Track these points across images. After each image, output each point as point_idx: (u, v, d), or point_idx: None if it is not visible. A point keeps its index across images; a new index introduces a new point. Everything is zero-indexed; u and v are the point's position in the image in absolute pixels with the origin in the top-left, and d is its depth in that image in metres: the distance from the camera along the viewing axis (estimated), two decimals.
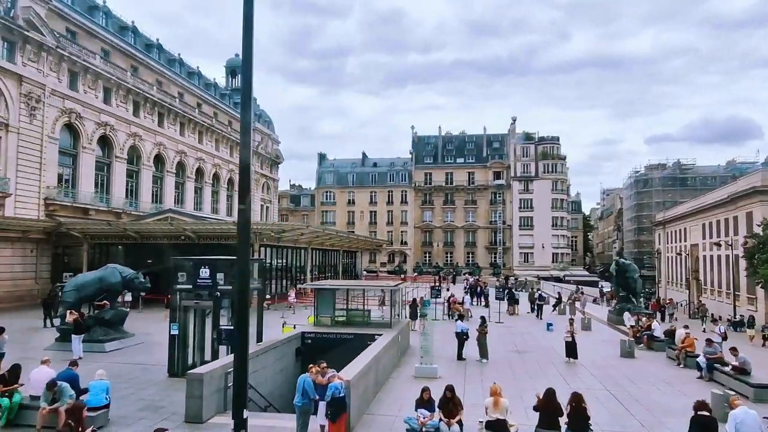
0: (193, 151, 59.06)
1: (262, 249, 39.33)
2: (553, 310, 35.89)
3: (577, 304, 34.96)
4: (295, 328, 20.89)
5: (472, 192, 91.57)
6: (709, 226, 50.34)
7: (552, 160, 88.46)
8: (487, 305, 35.89)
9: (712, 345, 17.69)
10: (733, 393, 13.55)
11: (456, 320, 21.15)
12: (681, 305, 50.98)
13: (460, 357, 19.68)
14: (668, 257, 65.88)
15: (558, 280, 72.89)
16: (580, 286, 53.72)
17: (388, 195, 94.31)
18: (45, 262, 39.44)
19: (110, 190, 46.37)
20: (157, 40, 57.64)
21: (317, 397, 10.26)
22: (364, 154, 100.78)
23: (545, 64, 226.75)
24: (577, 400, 9.99)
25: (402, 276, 69.04)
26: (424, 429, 10.01)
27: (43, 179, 38.51)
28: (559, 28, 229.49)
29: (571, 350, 19.70)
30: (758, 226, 37.87)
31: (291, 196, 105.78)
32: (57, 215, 39.05)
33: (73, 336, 18.33)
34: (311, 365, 11.12)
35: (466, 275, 67.13)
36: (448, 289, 42.08)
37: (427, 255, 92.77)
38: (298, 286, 37.74)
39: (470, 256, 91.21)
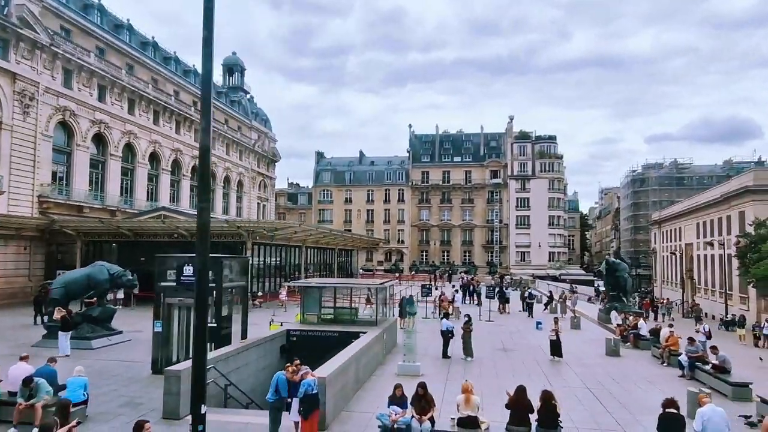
0: (189, 148, 59.07)
1: (255, 247, 39.48)
2: (545, 309, 35.99)
3: (568, 303, 35.04)
4: (282, 326, 21.02)
5: (469, 191, 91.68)
6: (703, 226, 50.53)
7: (549, 159, 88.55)
8: (479, 304, 35.99)
9: (694, 344, 17.80)
10: (708, 391, 13.67)
11: (442, 318, 21.21)
12: (676, 304, 51.19)
13: (445, 355, 19.79)
14: (663, 256, 66.05)
15: (554, 279, 73.00)
16: (573, 285, 53.81)
17: (385, 193, 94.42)
18: (38, 260, 39.52)
19: (105, 187, 46.43)
20: (153, 38, 57.69)
21: (287, 396, 10.34)
22: (361, 153, 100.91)
23: (546, 64, 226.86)
24: (546, 397, 10.08)
25: (397, 274, 69.16)
26: (395, 426, 10.09)
27: (37, 177, 38.59)
28: (560, 27, 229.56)
29: (556, 349, 19.80)
30: (750, 225, 38.09)
31: (288, 194, 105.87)
32: (51, 213, 39.14)
33: (60, 333, 18.43)
34: (288, 364, 11.21)
35: (462, 274, 67.19)
36: (439, 288, 42.18)
37: (424, 254, 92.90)
38: (284, 284, 37.79)
39: (467, 254, 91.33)
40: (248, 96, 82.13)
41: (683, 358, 17.55)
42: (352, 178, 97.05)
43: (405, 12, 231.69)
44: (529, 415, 10.19)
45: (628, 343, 23.28)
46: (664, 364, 19.42)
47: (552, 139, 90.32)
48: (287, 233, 41.71)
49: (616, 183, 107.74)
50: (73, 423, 9.95)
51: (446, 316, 21.79)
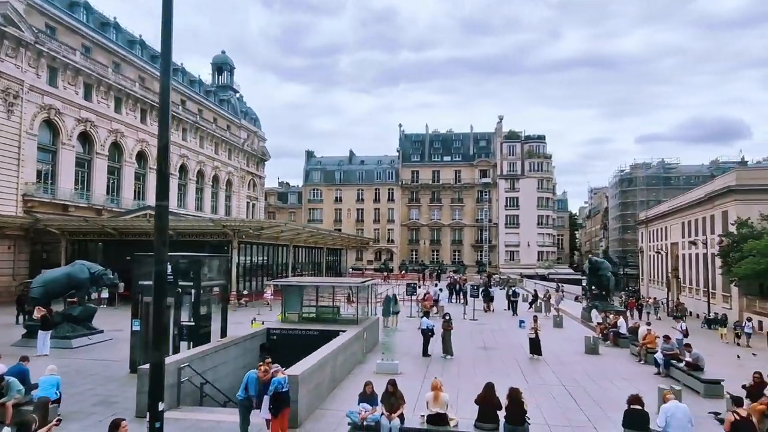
0: (177, 148, 58.93)
1: (242, 246, 39.49)
2: (530, 308, 36.22)
3: (552, 301, 35.30)
4: (263, 324, 21.07)
5: (459, 190, 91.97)
6: (688, 225, 50.98)
7: (538, 158, 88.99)
8: (465, 303, 36.14)
9: (670, 341, 18.01)
10: (678, 388, 13.89)
11: (422, 317, 21.34)
12: (662, 303, 51.63)
13: (425, 353, 19.90)
14: (650, 256, 66.56)
15: (543, 278, 73.42)
16: (560, 284, 54.16)
17: (375, 193, 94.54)
18: (23, 259, 39.32)
19: (91, 186, 46.25)
20: (140, 36, 57.52)
21: (256, 394, 10.40)
22: (351, 152, 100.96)
23: (537, 63, 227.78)
24: (514, 394, 10.19)
25: (385, 274, 69.30)
26: (364, 423, 10.19)
27: (22, 175, 38.39)
28: (551, 27, 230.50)
29: (535, 347, 19.97)
30: (732, 225, 38.49)
31: (278, 193, 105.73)
32: (35, 212, 38.93)
33: (39, 332, 18.39)
34: (260, 363, 11.28)
35: (451, 273, 67.42)
36: (426, 287, 42.31)
37: (414, 253, 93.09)
38: (266, 282, 37.79)
39: (456, 254, 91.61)
40: (237, 95, 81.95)
41: (659, 356, 17.76)
42: (342, 178, 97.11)
43: (397, 11, 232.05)
44: (497, 412, 10.30)
45: (608, 342, 23.49)
46: (642, 362, 19.64)
47: (541, 138, 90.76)
48: (274, 232, 41.73)
49: (605, 183, 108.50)
50: (54, 422, 9.97)
51: (426, 314, 21.92)
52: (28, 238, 39.22)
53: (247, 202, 79.50)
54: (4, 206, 36.85)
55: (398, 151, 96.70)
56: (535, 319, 21.12)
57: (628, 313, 37.68)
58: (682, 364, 16.61)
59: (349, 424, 10.40)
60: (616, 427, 11.35)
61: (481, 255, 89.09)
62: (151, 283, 15.87)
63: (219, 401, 14.52)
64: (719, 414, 13.26)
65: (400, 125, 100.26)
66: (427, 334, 19.91)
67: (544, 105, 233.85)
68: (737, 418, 9.84)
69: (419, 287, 38.82)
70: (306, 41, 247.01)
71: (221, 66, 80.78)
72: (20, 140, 38.14)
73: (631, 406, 10.09)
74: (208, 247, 36.74)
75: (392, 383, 10.69)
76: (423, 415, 10.51)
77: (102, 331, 21.24)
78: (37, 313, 19.44)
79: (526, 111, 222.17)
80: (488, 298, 34.70)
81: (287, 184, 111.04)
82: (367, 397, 10.63)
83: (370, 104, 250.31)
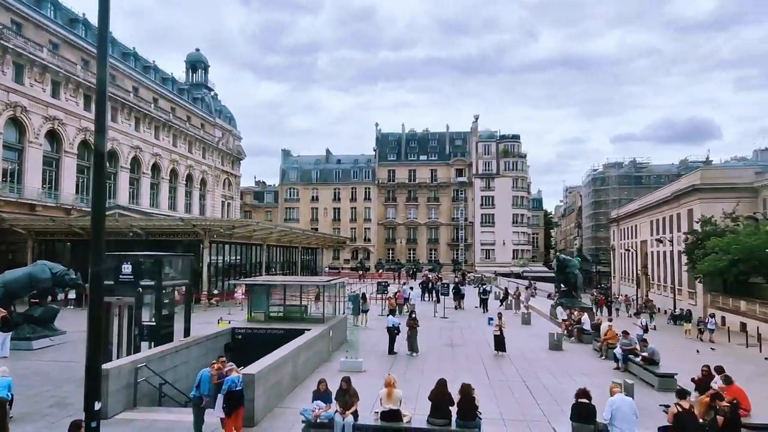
0: (149, 146, 58.19)
1: (214, 245, 39.21)
2: (500, 305, 36.63)
3: (522, 298, 35.77)
4: (230, 323, 21.01)
5: (435, 189, 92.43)
6: (657, 223, 52.04)
7: (513, 158, 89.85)
8: (438, 301, 36.40)
9: (628, 337, 18.43)
10: (631, 382, 14.26)
11: (388, 315, 21.48)
12: (633, 300, 52.59)
13: (391, 351, 20.05)
14: (621, 253, 67.77)
15: (518, 276, 74.24)
16: (532, 282, 54.83)
17: (352, 192, 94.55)
18: None
19: (59, 185, 45.45)
20: (111, 33, 56.52)
21: (207, 392, 10.41)
22: (328, 151, 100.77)
23: (515, 63, 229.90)
24: (465, 390, 10.37)
25: (361, 272, 69.39)
26: (318, 420, 10.27)
27: None
28: (529, 27, 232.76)
29: (500, 343, 20.26)
30: (697, 222, 39.42)
31: (255, 192, 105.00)
32: (1, 211, 38.11)
33: None
34: (214, 361, 11.28)
35: (426, 272, 67.76)
36: (399, 285, 42.51)
37: (390, 252, 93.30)
38: (230, 282, 37.51)
39: (433, 252, 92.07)
40: (212, 93, 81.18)
41: (618, 351, 18.17)
42: (319, 177, 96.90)
43: (376, 10, 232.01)
44: (450, 407, 10.46)
45: (573, 338, 23.92)
46: (603, 357, 20.06)
47: (516, 138, 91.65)
48: (246, 231, 41.53)
49: (581, 182, 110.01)
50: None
51: (392, 312, 22.06)
52: None
53: (222, 202, 78.83)
54: None
55: (375, 150, 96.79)
56: (500, 316, 21.41)
57: (597, 310, 38.46)
58: (638, 359, 17.03)
59: (303, 421, 10.46)
60: (570, 421, 11.62)
61: (457, 254, 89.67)
62: (111, 282, 15.97)
63: (180, 401, 14.46)
64: (669, 406, 13.67)
65: (377, 124, 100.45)
66: (393, 332, 20.06)
67: (522, 105, 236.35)
68: (680, 410, 10.15)
69: (394, 285, 38.93)
70: (284, 39, 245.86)
71: (195, 64, 79.96)
72: None
73: (579, 400, 10.34)
74: (180, 246, 36.43)
75: (346, 380, 10.78)
76: (377, 412, 10.62)
77: (65, 332, 20.95)
78: None
79: (504, 111, 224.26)
80: (459, 296, 34.99)
81: (264, 183, 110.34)
82: (321, 394, 10.71)
83: (349, 103, 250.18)
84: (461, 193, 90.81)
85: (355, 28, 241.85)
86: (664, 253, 48.87)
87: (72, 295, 32.77)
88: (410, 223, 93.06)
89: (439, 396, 10.48)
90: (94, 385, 6.49)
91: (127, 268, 15.70)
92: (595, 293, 57.53)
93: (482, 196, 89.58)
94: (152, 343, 15.76)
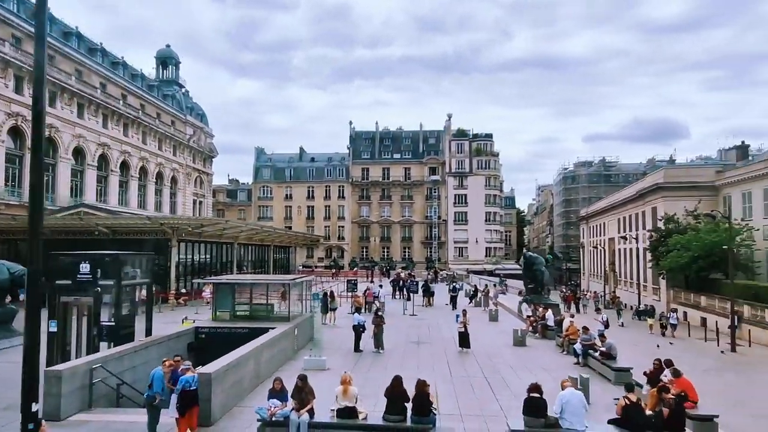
0: (118, 143, 57.19)
1: (182, 244, 38.77)
2: (470, 302, 37.00)
3: (491, 295, 36.18)
4: (194, 323, 20.83)
5: (409, 187, 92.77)
6: (623, 221, 53.12)
7: (485, 156, 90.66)
8: (408, 298, 36.60)
9: (588, 332, 18.82)
10: (586, 376, 14.58)
11: (353, 313, 21.55)
12: (601, 296, 53.58)
13: (357, 349, 20.13)
14: (590, 250, 68.97)
15: (490, 273, 74.93)
16: (503, 279, 55.49)
17: (326, 190, 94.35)
18: None
19: (23, 183, 44.37)
20: (77, 27, 55.43)
21: (159, 391, 10.35)
22: (301, 149, 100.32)
23: (490, 63, 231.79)
24: (420, 386, 10.50)
25: (334, 270, 69.31)
26: (273, 418, 10.28)
27: None
28: (503, 27, 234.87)
29: (464, 340, 20.51)
30: (660, 220, 40.35)
31: (228, 190, 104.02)
32: None
33: None
34: (165, 359, 11.20)
35: (399, 270, 68.00)
36: (373, 283, 42.60)
37: (365, 250, 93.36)
38: (195, 281, 37.12)
39: (407, 250, 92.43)
40: (183, 90, 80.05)
41: (578, 346, 18.56)
42: (293, 175, 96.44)
43: (351, 7, 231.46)
44: (405, 404, 10.58)
45: (537, 334, 24.32)
46: (564, 353, 20.45)
47: (489, 137, 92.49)
48: (216, 230, 41.13)
49: (552, 181, 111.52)
50: None
51: (358, 310, 22.14)
52: None
53: (194, 200, 77.88)
54: None
55: (349, 148, 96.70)
56: (464, 313, 21.66)
57: (564, 307, 39.08)
58: (597, 354, 17.41)
59: (258, 420, 10.47)
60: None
61: (430, 251, 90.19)
62: (69, 282, 15.72)
63: (138, 402, 14.29)
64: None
65: (351, 122, 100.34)
66: (358, 329, 20.16)
67: (496, 104, 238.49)
68: (627, 403, 10.49)
69: (366, 284, 39.00)
70: (260, 36, 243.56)
71: (166, 60, 78.72)
72: None
73: (531, 394, 10.55)
74: (148, 245, 35.92)
75: (302, 378, 10.83)
76: (333, 409, 10.69)
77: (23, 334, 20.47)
78: None
79: (479, 109, 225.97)
80: (428, 294, 35.23)
81: (237, 181, 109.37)
82: (276, 393, 10.72)
83: (325, 101, 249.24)
84: (435, 192, 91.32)
85: (331, 26, 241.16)
86: (630, 250, 49.93)
87: None
88: (384, 222, 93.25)
89: (395, 392, 10.59)
90: (32, 387, 6.42)
91: (85, 267, 15.44)
92: (564, 290, 58.61)
93: (455, 195, 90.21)
94: (112, 344, 15.56)
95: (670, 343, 27.06)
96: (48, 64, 46.28)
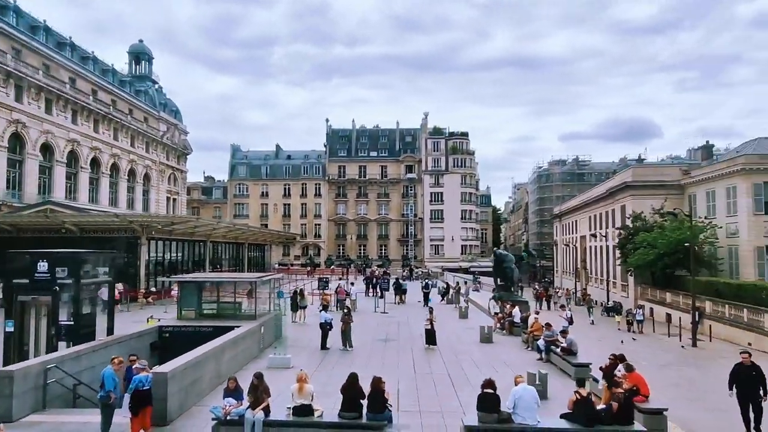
0: (88, 140, 56.18)
1: (153, 242, 38.33)
2: (441, 300, 37.26)
3: (462, 292, 36.48)
4: (159, 321, 20.65)
5: (385, 185, 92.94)
6: (594, 219, 53.96)
7: (461, 154, 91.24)
8: (381, 296, 36.71)
9: (551, 329, 19.12)
10: (544, 372, 14.84)
11: (320, 311, 21.59)
12: (573, 294, 54.37)
13: (323, 347, 20.15)
14: (563, 248, 69.92)
15: (466, 271, 75.48)
16: (476, 276, 55.98)
17: (302, 188, 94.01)
18: None
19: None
20: (44, 21, 54.29)
21: (111, 389, 10.27)
22: (278, 146, 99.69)
23: (467, 62, 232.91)
24: (375, 383, 10.59)
25: (309, 268, 69.17)
26: (228, 417, 10.28)
27: None
28: (480, 27, 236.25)
29: (431, 337, 20.68)
30: (628, 218, 41.10)
31: (203, 188, 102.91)
32: None
33: None
34: (113, 356, 11.11)
35: (374, 268, 68.19)
36: (344, 282, 42.62)
37: (341, 248, 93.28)
38: (160, 279, 36.77)
39: (383, 248, 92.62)
40: (156, 86, 78.97)
41: (541, 343, 18.85)
42: (269, 172, 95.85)
43: (330, 4, 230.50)
44: (361, 401, 10.65)
45: (504, 330, 24.62)
46: (529, 349, 20.74)
47: (464, 135, 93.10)
48: (187, 228, 40.74)
49: (528, 179, 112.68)
50: None
51: (325, 308, 22.17)
52: None
53: (168, 197, 76.91)
54: None
55: (325, 146, 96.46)
56: (431, 311, 21.85)
57: (537, 304, 39.56)
58: (558, 350, 17.71)
59: (213, 419, 10.45)
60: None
61: (407, 249, 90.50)
62: (26, 281, 15.45)
63: (96, 402, 14.14)
64: None
65: (327, 120, 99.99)
66: (325, 327, 20.18)
67: (474, 103, 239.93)
68: (578, 397, 10.70)
69: (340, 281, 39.02)
70: (238, 32, 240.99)
71: (139, 55, 77.55)
72: None
73: (484, 390, 10.71)
74: (118, 243, 35.48)
75: (258, 376, 10.83)
76: (289, 407, 10.72)
77: None
78: None
79: (457, 108, 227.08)
80: (400, 291, 35.39)
81: (212, 178, 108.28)
82: (231, 391, 10.71)
83: (304, 98, 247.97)
84: (411, 190, 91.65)
85: (310, 23, 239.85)
86: (600, 247, 50.77)
87: None
88: (360, 219, 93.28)
89: (350, 390, 10.67)
90: None
91: (43, 265, 15.19)
92: (537, 287, 59.36)
93: (431, 193, 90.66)
94: (71, 343, 15.35)
95: (633, 339, 27.63)
96: (14, 59, 45.62)
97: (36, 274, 15.23)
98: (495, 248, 51.38)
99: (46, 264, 15.25)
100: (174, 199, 79.34)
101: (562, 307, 32.73)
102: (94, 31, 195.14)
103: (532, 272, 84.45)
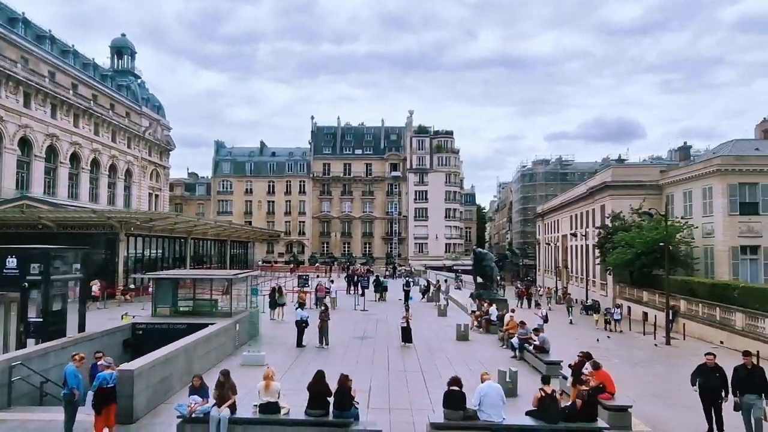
0: (67, 135, 55.41)
1: (131, 239, 37.99)
2: (422, 298, 37.38)
3: (443, 289, 36.63)
4: (134, 318, 20.52)
5: (370, 183, 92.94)
6: (575, 218, 54.44)
7: (446, 153, 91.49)
8: (362, 294, 36.75)
9: (525, 327, 19.31)
10: (514, 369, 14.98)
11: (297, 309, 21.58)
12: (555, 292, 54.85)
13: (299, 344, 20.14)
14: (545, 247, 70.48)
15: (449, 269, 75.75)
16: (459, 274, 56.25)
17: (287, 185, 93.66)
18: None
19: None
20: (23, 14, 53.42)
21: (74, 386, 10.18)
22: (262, 143, 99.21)
23: (454, 61, 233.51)
24: (341, 381, 10.61)
25: (292, 266, 69.00)
26: (193, 415, 10.24)
27: None
28: (468, 26, 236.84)
29: (406, 335, 20.76)
30: (607, 218, 41.53)
31: (186, 184, 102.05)
32: None
33: None
34: (75, 353, 11.01)
35: (357, 265, 68.23)
36: (326, 279, 42.56)
37: (325, 245, 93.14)
38: (132, 276, 36.41)
39: (367, 246, 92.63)
40: (139, 81, 78.10)
41: (515, 341, 19.02)
42: (253, 169, 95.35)
43: (316, 1, 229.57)
44: (327, 398, 10.68)
45: (482, 328, 24.79)
46: (504, 347, 20.93)
47: (449, 134, 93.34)
48: (167, 224, 40.44)
49: (512, 178, 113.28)
50: None
51: (301, 306, 22.14)
52: None
53: (150, 193, 76.16)
54: None
55: (310, 143, 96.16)
56: (407, 308, 21.94)
57: (518, 302, 39.84)
58: (531, 348, 17.88)
59: (178, 417, 10.41)
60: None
61: (391, 247, 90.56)
62: None
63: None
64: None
65: (313, 117, 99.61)
66: (301, 324, 20.17)
67: (460, 102, 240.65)
68: (543, 394, 10.83)
69: (321, 279, 39.00)
70: (224, 28, 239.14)
71: (121, 50, 76.63)
72: None
73: (450, 388, 10.79)
74: (96, 240, 35.19)
75: (224, 374, 10.81)
76: (255, 405, 10.71)
77: None
78: None
79: (443, 107, 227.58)
80: (380, 289, 35.45)
81: (196, 175, 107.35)
82: (196, 389, 10.68)
83: (290, 95, 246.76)
84: (395, 188, 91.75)
85: (297, 20, 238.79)
86: (581, 246, 51.25)
87: None
88: (345, 217, 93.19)
89: (316, 387, 10.69)
90: None
91: (11, 261, 15.03)
92: (519, 285, 59.81)
93: (416, 191, 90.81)
94: (40, 340, 15.19)
95: (608, 337, 27.96)
96: None
97: (4, 270, 15.09)
98: (474, 247, 51.63)
99: (14, 260, 15.10)
100: (156, 196, 78.61)
101: (537, 305, 32.99)
102: (78, 25, 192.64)
103: (515, 271, 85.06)
